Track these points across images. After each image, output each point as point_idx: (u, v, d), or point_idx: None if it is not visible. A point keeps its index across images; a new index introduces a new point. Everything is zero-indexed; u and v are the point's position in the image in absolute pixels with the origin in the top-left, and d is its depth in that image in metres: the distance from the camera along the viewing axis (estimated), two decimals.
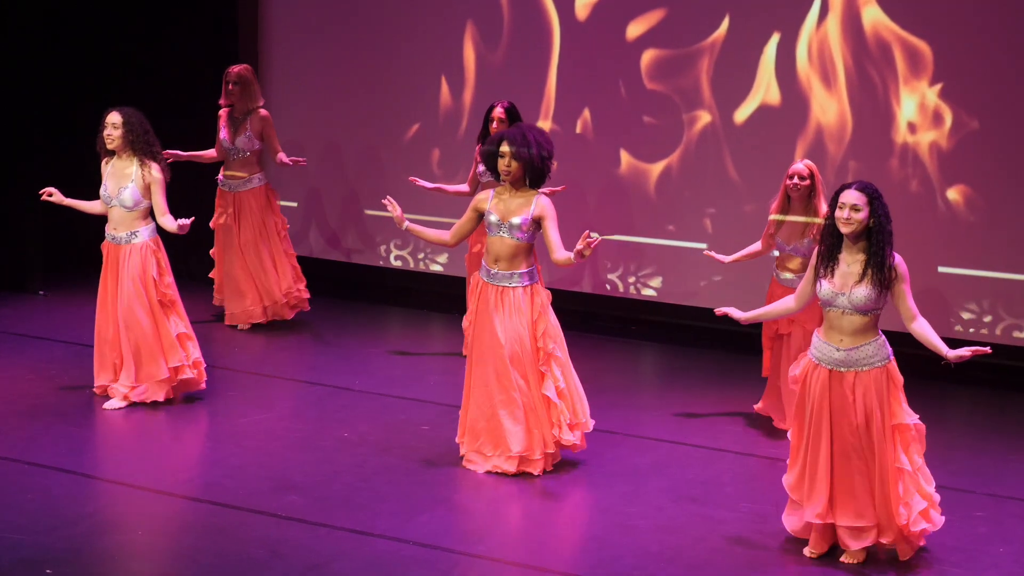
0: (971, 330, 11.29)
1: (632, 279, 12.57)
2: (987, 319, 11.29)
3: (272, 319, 12.24)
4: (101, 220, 10.28)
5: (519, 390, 8.90)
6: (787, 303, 8.15)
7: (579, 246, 8.44)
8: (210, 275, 12.43)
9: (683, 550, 7.93)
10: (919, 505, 7.73)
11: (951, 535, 8.26)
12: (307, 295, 12.37)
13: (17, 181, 13.06)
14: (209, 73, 12.96)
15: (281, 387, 10.75)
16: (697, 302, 12.15)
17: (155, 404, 10.10)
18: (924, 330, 7.64)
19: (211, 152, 12.12)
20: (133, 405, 10.06)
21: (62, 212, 10.51)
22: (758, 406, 10.21)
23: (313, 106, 13.53)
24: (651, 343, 12.35)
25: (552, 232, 8.81)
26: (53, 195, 10.21)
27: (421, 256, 13.40)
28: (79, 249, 13.33)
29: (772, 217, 9.81)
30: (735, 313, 8.22)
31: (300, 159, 12.13)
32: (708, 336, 12.10)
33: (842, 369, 7.64)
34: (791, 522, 8.03)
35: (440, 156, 13.07)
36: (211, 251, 12.32)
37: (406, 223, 9.10)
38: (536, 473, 8.95)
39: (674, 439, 9.84)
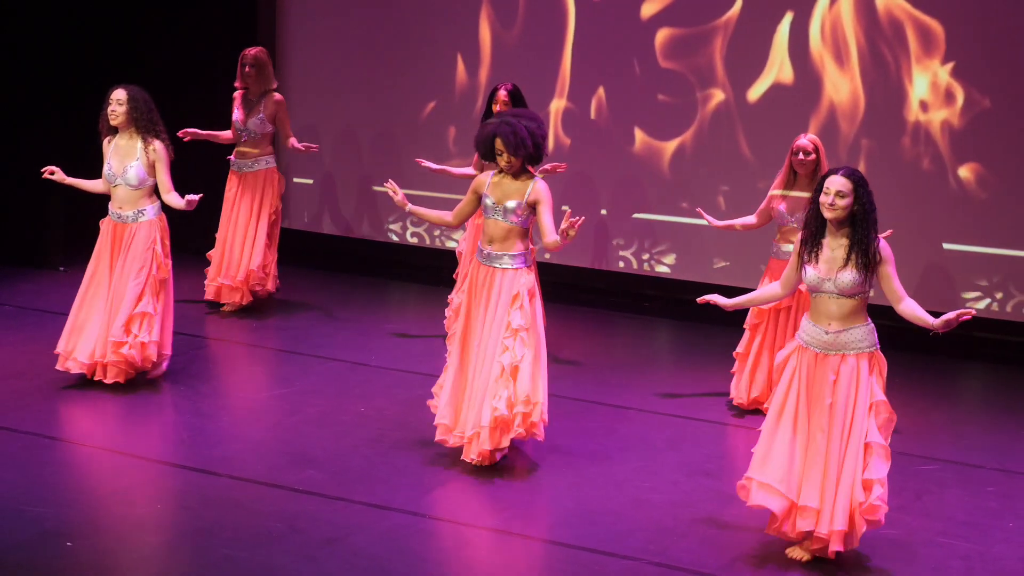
0: (981, 306, 11.34)
1: (646, 256, 12.63)
2: (998, 295, 11.34)
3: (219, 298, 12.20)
4: None
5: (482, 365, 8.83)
6: (773, 289, 8.08)
7: (563, 225, 8.42)
8: (208, 255, 12.35)
9: (697, 525, 8.00)
10: (878, 490, 7.51)
11: (962, 509, 8.34)
12: (266, 289, 12.31)
13: (37, 159, 13.09)
14: (227, 55, 12.99)
15: (299, 363, 10.79)
16: (710, 279, 12.20)
17: (171, 379, 10.19)
18: (911, 308, 7.53)
19: (227, 133, 12.18)
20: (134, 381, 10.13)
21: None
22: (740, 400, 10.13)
23: (330, 85, 13.58)
24: (665, 319, 12.40)
25: (545, 217, 8.73)
26: (55, 173, 10.25)
27: (437, 233, 13.46)
28: (98, 225, 13.40)
29: (774, 192, 9.83)
30: (720, 300, 8.16)
31: (312, 145, 12.18)
32: (721, 312, 12.05)
33: (830, 352, 7.58)
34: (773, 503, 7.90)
35: (456, 134, 13.12)
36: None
37: (408, 206, 9.14)
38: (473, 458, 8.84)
39: (687, 415, 9.90)
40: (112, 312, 9.88)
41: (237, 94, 12.11)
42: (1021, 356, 11.26)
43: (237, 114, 12.03)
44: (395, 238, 13.63)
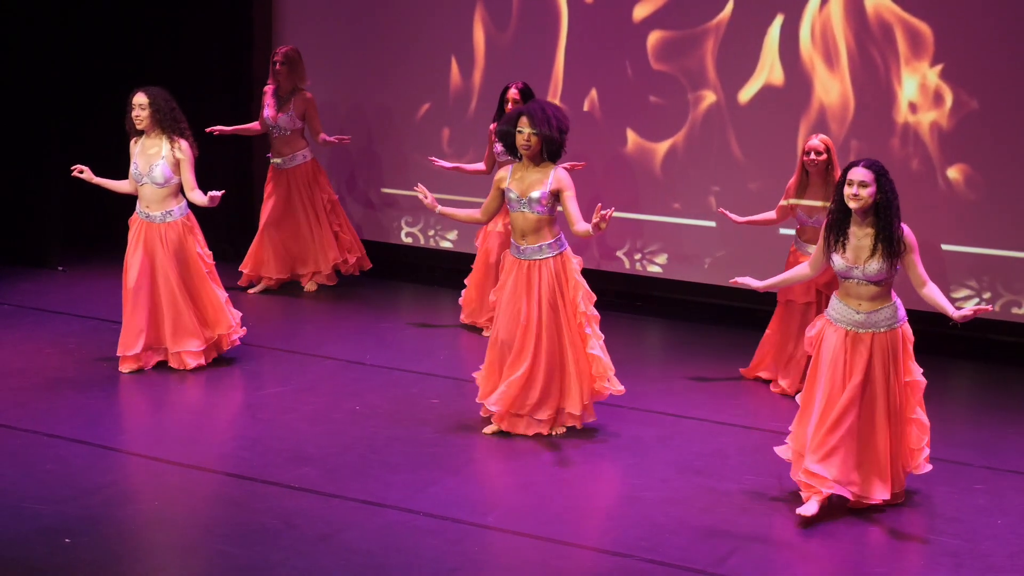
0: (969, 305, 11.38)
1: (638, 256, 12.68)
2: (986, 295, 11.40)
3: (311, 286, 12.78)
4: (119, 196, 10.46)
5: (553, 353, 9.17)
6: (803, 269, 8.41)
7: (595, 219, 8.59)
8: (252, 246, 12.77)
9: (688, 521, 8.04)
10: (925, 451, 8.19)
11: (950, 506, 8.38)
12: (359, 264, 12.97)
13: (37, 159, 13.17)
14: (221, 60, 13.09)
15: (295, 361, 10.84)
16: (702, 278, 12.28)
17: (169, 376, 10.29)
18: (933, 294, 7.98)
19: (255, 125, 12.48)
20: (150, 372, 10.32)
21: (81, 188, 10.65)
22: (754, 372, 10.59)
23: (324, 87, 13.58)
24: (656, 319, 12.44)
25: (571, 204, 8.94)
26: (84, 172, 10.37)
27: (431, 233, 13.52)
28: (97, 225, 13.48)
29: (789, 202, 10.00)
30: (752, 283, 8.43)
31: (344, 137, 12.49)
32: (712, 312, 12.22)
33: (860, 330, 7.96)
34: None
35: (450, 135, 13.17)
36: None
37: (438, 208, 9.29)
38: (545, 433, 9.30)
39: (679, 412, 9.94)
40: (177, 309, 10.30)
41: (268, 88, 12.29)
42: (1008, 354, 11.31)
43: (268, 111, 12.26)
44: (390, 238, 13.68)
